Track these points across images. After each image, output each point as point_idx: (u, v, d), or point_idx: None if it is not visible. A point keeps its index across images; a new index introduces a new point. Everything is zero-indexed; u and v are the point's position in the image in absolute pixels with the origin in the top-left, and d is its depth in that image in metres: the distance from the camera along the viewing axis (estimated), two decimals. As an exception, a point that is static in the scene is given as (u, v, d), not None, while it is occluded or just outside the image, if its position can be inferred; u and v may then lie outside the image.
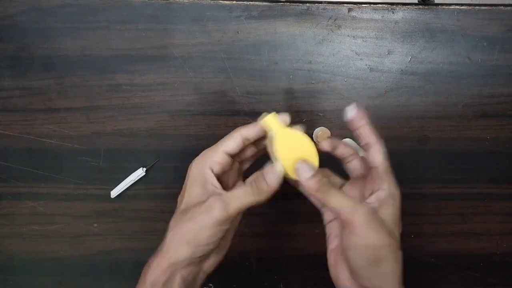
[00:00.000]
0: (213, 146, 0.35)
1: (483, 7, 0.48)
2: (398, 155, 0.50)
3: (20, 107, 0.49)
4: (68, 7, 0.47)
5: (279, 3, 0.48)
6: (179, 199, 0.35)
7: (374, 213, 0.32)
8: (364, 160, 0.38)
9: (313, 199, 0.39)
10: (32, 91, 0.48)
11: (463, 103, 0.49)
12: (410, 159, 0.50)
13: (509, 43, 0.48)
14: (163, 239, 0.33)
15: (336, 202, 0.32)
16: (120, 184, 0.49)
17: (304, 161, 0.34)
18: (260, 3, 0.47)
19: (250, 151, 0.38)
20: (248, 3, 0.47)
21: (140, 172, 0.49)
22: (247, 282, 0.52)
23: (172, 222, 0.34)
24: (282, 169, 0.33)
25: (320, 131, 0.49)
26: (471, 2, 0.48)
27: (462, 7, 0.48)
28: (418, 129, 0.49)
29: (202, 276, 0.35)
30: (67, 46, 0.48)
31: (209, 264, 0.35)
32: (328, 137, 0.38)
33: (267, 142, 0.36)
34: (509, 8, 0.48)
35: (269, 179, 0.33)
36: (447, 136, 0.49)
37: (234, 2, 0.47)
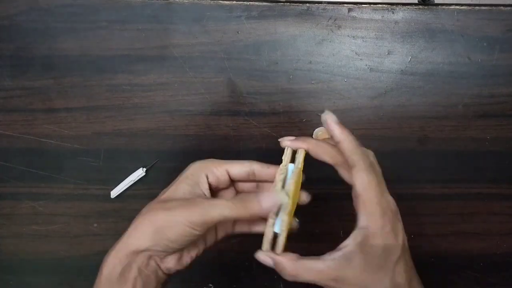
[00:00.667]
0: (219, 160, 0.35)
1: (483, 7, 0.48)
2: (398, 155, 0.50)
3: (20, 107, 0.49)
4: (68, 7, 0.47)
5: (279, 3, 0.48)
6: (162, 191, 0.34)
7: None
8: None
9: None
10: (32, 91, 0.49)
11: (463, 103, 0.49)
12: (410, 159, 0.50)
13: (509, 43, 0.48)
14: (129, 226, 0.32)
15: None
16: (120, 184, 0.49)
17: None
18: (260, 3, 0.47)
19: (249, 185, 0.37)
20: (248, 3, 0.47)
21: (140, 172, 0.49)
22: (247, 282, 0.52)
23: (145, 209, 0.32)
24: (286, 201, 0.32)
25: (320, 131, 0.49)
26: (471, 2, 0.48)
27: (462, 7, 0.48)
28: (418, 129, 0.49)
29: (161, 275, 0.32)
30: (67, 46, 0.48)
31: (169, 266, 0.32)
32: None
33: (279, 170, 0.34)
34: (509, 8, 0.48)
35: (265, 203, 0.31)
36: (447, 136, 0.49)
37: (234, 2, 0.47)
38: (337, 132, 0.31)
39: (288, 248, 0.32)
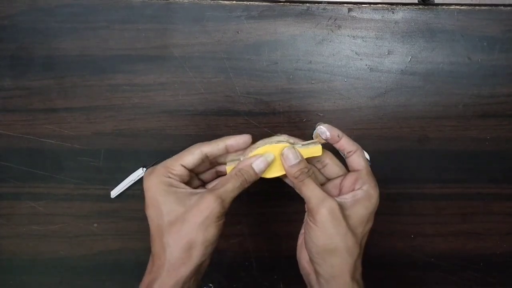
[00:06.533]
0: (171, 159, 0.36)
1: (483, 7, 0.48)
2: (398, 155, 0.50)
3: (20, 107, 0.49)
4: (68, 7, 0.47)
5: (279, 3, 0.48)
6: (153, 217, 0.35)
7: (339, 208, 0.34)
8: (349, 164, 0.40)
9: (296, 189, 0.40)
10: (32, 91, 0.49)
11: (463, 103, 0.49)
12: (410, 159, 0.50)
13: (509, 43, 0.48)
14: (157, 259, 0.33)
15: (308, 191, 0.35)
16: (120, 184, 0.50)
17: (292, 149, 0.36)
18: (260, 3, 0.47)
19: (206, 165, 0.40)
20: (248, 3, 0.47)
21: (140, 172, 0.49)
22: (247, 282, 0.52)
23: (165, 239, 0.33)
24: (273, 157, 0.37)
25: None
26: (471, 2, 0.48)
27: (462, 7, 0.48)
28: (418, 129, 0.49)
29: (199, 278, 0.36)
30: (67, 46, 0.48)
31: (204, 266, 0.36)
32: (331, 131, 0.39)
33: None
34: (509, 8, 0.48)
35: (257, 167, 0.36)
36: (447, 136, 0.49)
37: (234, 2, 0.47)
38: (339, 131, 0.39)
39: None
